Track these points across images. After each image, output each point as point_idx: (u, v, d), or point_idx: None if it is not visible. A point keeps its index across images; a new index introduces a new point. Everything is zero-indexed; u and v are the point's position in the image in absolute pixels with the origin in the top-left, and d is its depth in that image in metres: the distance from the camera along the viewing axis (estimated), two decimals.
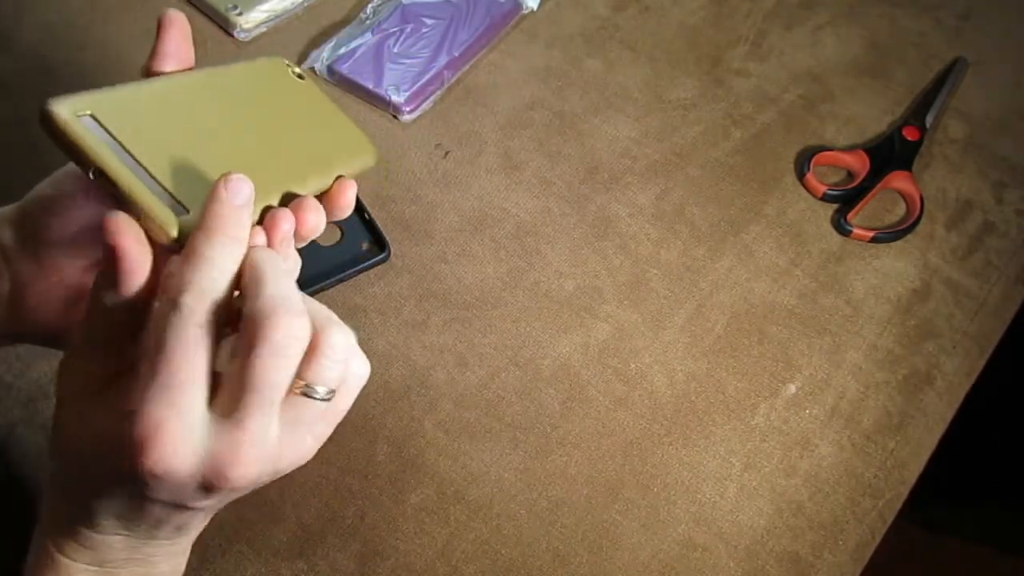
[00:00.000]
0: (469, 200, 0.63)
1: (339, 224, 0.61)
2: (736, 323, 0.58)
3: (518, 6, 0.73)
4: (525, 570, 0.49)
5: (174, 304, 0.28)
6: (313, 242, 0.59)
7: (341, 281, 0.58)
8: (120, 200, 0.30)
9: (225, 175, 0.30)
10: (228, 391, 0.29)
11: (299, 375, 0.29)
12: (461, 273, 0.59)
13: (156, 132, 0.32)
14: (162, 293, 0.29)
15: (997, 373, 0.59)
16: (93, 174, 0.30)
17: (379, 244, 0.60)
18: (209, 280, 0.29)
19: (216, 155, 0.34)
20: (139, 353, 0.29)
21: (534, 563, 0.49)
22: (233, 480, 0.29)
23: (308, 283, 0.57)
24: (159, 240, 0.30)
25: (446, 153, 0.65)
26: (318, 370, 0.30)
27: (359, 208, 0.61)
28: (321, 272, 0.58)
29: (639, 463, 0.53)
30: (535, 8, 0.74)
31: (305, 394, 0.30)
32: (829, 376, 0.56)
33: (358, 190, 0.61)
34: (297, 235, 0.34)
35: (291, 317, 0.29)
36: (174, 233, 0.30)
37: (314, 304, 0.31)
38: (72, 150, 0.30)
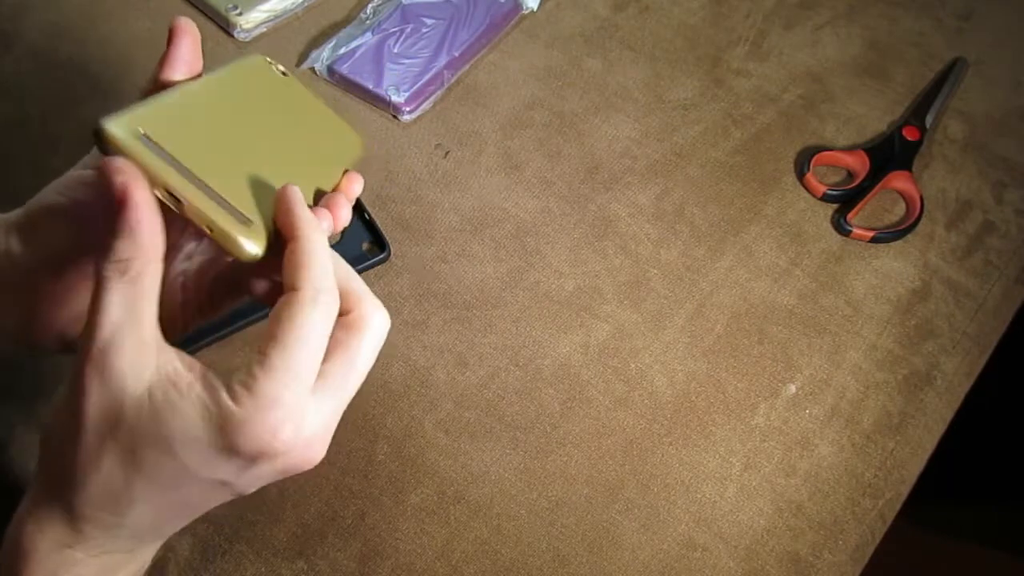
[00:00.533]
0: (469, 200, 0.63)
1: None
2: (736, 323, 0.58)
3: (518, 6, 0.73)
4: (525, 570, 0.49)
5: (315, 302, 0.30)
6: None
7: None
8: (192, 220, 0.31)
9: (284, 188, 0.32)
10: (326, 376, 0.31)
11: None
12: (461, 273, 0.59)
13: (200, 146, 0.33)
14: (295, 291, 0.30)
15: (997, 373, 0.59)
16: (163, 192, 0.30)
17: (379, 244, 0.60)
18: (329, 277, 0.31)
19: (255, 164, 0.34)
20: (270, 339, 0.30)
21: (534, 563, 0.49)
22: (320, 456, 0.32)
23: None
24: (239, 256, 0.31)
25: (446, 153, 0.65)
26: None
27: (359, 208, 0.61)
28: None
29: (639, 463, 0.53)
30: (535, 8, 0.74)
31: None
32: (829, 376, 0.56)
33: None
34: (331, 231, 0.36)
35: (382, 310, 0.33)
36: (259, 250, 0.31)
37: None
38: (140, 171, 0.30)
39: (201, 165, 0.31)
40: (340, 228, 0.37)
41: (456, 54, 0.69)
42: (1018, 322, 0.60)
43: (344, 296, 0.32)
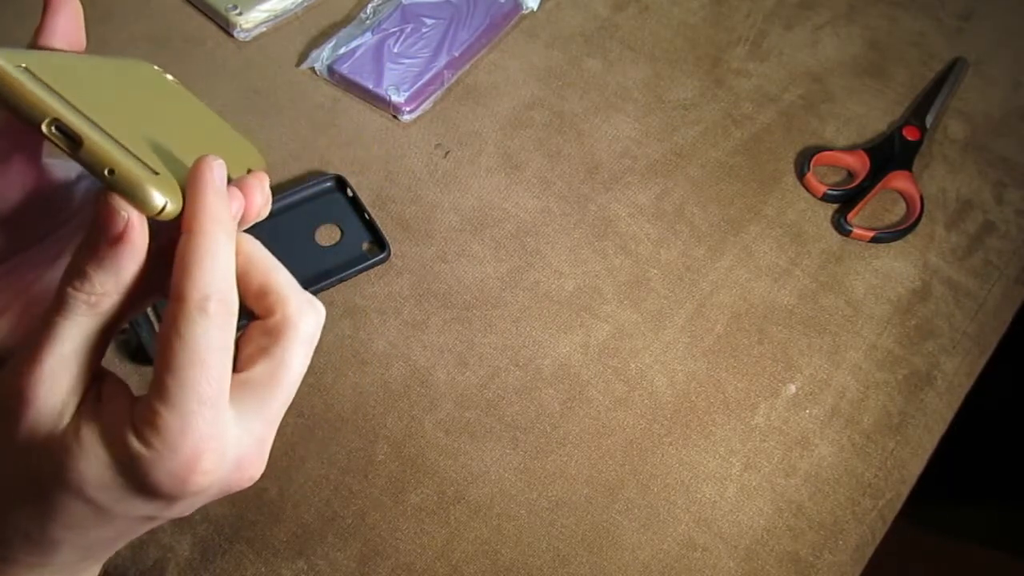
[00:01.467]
0: (469, 200, 0.63)
1: (339, 224, 0.61)
2: (736, 323, 0.58)
3: (518, 6, 0.73)
4: (525, 570, 0.49)
5: (203, 311, 0.26)
6: (313, 242, 0.60)
7: (341, 281, 0.58)
8: (89, 163, 0.26)
9: (203, 157, 0.27)
10: (249, 387, 0.28)
11: None
12: (461, 273, 0.59)
13: (95, 99, 0.28)
14: (180, 301, 0.26)
15: (997, 373, 0.59)
16: (49, 128, 0.26)
17: (379, 244, 0.60)
18: (224, 279, 0.27)
19: (159, 134, 0.30)
20: (161, 364, 0.26)
21: (534, 563, 0.49)
22: (258, 473, 0.29)
23: (308, 283, 0.57)
24: (145, 208, 0.26)
25: (446, 153, 0.65)
26: None
27: (359, 208, 0.61)
28: (321, 272, 0.58)
29: (639, 463, 0.53)
30: (535, 8, 0.74)
31: None
32: (829, 376, 0.56)
33: (359, 191, 0.62)
34: (243, 218, 0.31)
35: (315, 309, 0.30)
36: (171, 205, 0.26)
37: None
38: (22, 102, 0.26)
39: (97, 113, 0.27)
40: (251, 217, 0.31)
41: (456, 54, 0.69)
42: (1018, 322, 0.60)
43: (265, 296, 0.29)
